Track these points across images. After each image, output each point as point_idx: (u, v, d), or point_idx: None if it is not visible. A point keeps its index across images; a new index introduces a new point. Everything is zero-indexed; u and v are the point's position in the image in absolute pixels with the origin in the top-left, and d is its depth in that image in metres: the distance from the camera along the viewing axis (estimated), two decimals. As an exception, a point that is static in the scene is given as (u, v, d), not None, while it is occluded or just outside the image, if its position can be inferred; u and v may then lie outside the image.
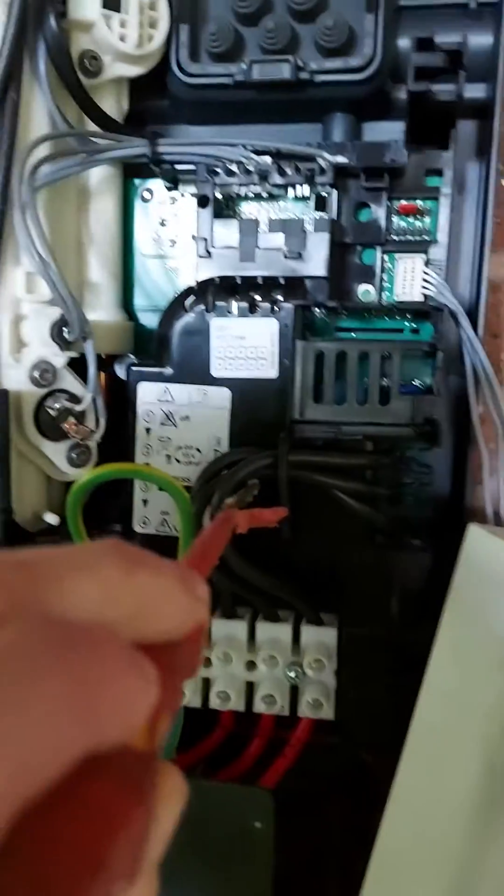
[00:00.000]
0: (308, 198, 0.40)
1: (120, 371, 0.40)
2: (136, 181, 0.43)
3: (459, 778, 0.33)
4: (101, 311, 0.41)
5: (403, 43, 0.38)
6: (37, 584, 0.14)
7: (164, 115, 0.42)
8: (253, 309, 0.37)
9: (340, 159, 0.37)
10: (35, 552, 0.15)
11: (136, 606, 0.15)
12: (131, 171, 0.42)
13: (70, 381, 0.38)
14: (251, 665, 0.40)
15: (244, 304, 0.37)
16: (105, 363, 0.41)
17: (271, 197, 0.40)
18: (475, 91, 0.37)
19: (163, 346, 0.38)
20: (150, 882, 0.15)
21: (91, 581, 0.14)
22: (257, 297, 0.37)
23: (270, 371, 0.37)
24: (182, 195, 0.42)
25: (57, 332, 0.36)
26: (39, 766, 0.12)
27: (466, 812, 0.33)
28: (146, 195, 0.43)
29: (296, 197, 0.40)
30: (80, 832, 0.12)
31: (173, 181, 0.41)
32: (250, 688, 0.40)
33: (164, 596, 0.16)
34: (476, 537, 0.34)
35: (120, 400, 0.40)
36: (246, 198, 0.41)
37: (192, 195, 0.42)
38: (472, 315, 0.38)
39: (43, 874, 0.11)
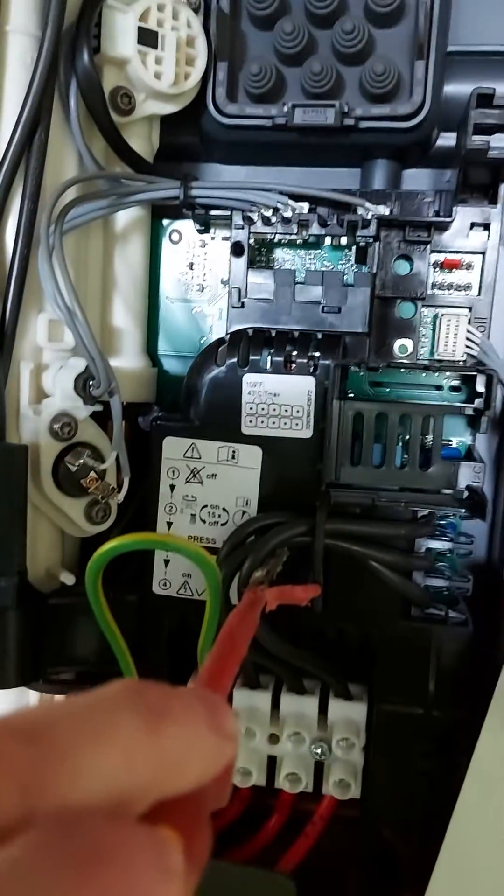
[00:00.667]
0: (345, 247, 0.38)
1: (144, 424, 0.37)
2: (165, 221, 0.41)
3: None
4: (125, 357, 0.39)
5: (450, 89, 0.36)
6: (50, 763, 0.12)
7: (194, 152, 0.40)
8: (288, 365, 0.35)
9: (382, 210, 0.35)
10: (45, 716, 0.13)
11: (161, 767, 0.13)
12: (159, 212, 0.40)
13: (92, 435, 0.36)
14: (274, 738, 0.37)
15: (279, 360, 0.35)
16: (127, 411, 0.39)
17: (306, 244, 0.38)
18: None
19: (190, 399, 0.36)
20: None
21: (109, 749, 0.13)
22: (294, 353, 0.35)
23: (304, 430, 0.35)
24: (212, 238, 0.40)
25: (82, 387, 0.33)
26: None
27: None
28: (174, 237, 0.41)
29: (332, 245, 0.38)
30: None
31: (205, 224, 0.39)
32: (272, 761, 0.38)
33: (191, 748, 0.14)
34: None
35: (142, 453, 0.37)
36: (280, 244, 0.39)
37: (224, 238, 0.40)
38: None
39: None
